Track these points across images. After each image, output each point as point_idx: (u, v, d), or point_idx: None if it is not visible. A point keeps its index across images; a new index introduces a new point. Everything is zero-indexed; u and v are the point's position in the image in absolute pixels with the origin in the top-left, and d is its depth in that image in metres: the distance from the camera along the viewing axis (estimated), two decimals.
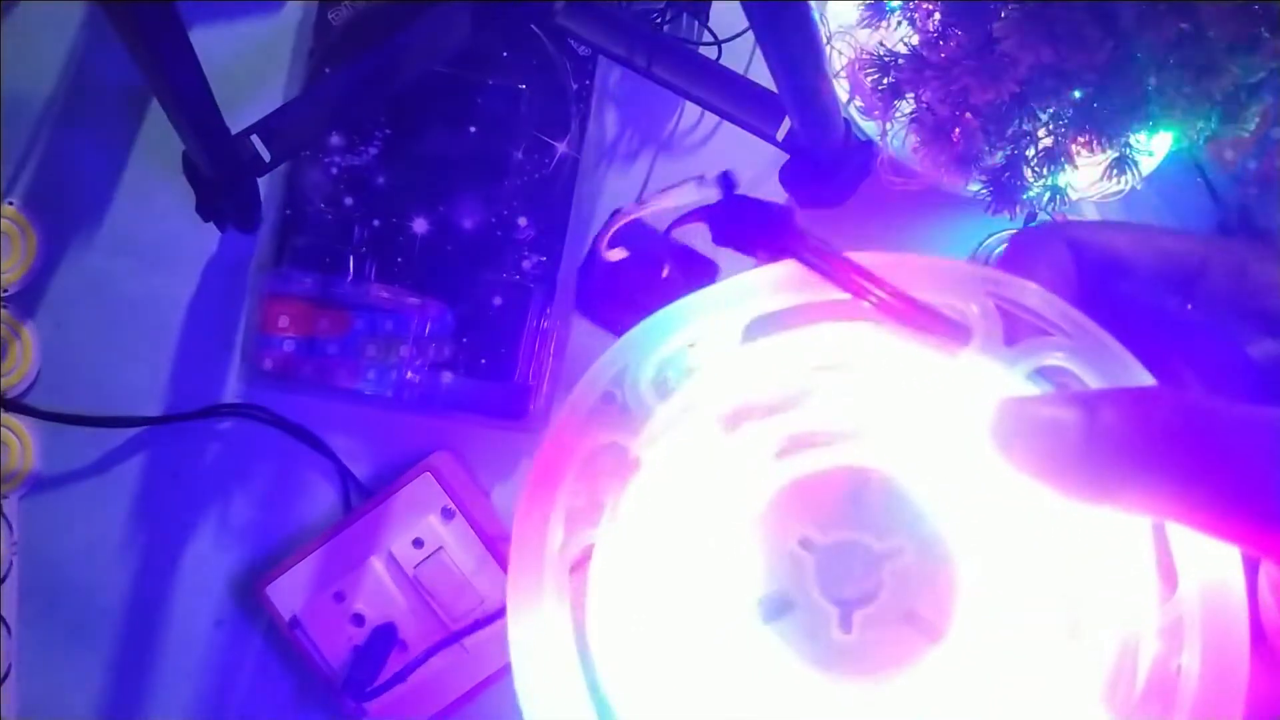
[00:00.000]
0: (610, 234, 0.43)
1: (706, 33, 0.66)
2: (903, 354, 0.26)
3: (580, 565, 0.26)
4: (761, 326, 0.27)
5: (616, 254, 0.48)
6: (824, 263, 0.25)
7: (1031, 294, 0.25)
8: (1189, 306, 0.26)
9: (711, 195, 0.30)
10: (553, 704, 0.25)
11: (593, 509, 0.27)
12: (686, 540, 0.27)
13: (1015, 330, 0.26)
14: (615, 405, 0.27)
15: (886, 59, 0.52)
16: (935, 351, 0.26)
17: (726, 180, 0.30)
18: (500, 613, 0.61)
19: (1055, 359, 0.25)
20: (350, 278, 0.63)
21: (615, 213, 0.45)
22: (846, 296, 0.26)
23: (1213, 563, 0.23)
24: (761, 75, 0.54)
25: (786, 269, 0.27)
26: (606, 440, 0.27)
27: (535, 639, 0.26)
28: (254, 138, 0.57)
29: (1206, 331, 0.26)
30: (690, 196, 0.39)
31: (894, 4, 0.52)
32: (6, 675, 0.64)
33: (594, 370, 0.27)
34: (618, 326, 0.64)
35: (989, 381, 0.25)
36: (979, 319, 0.25)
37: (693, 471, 0.27)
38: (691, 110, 0.67)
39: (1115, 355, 0.25)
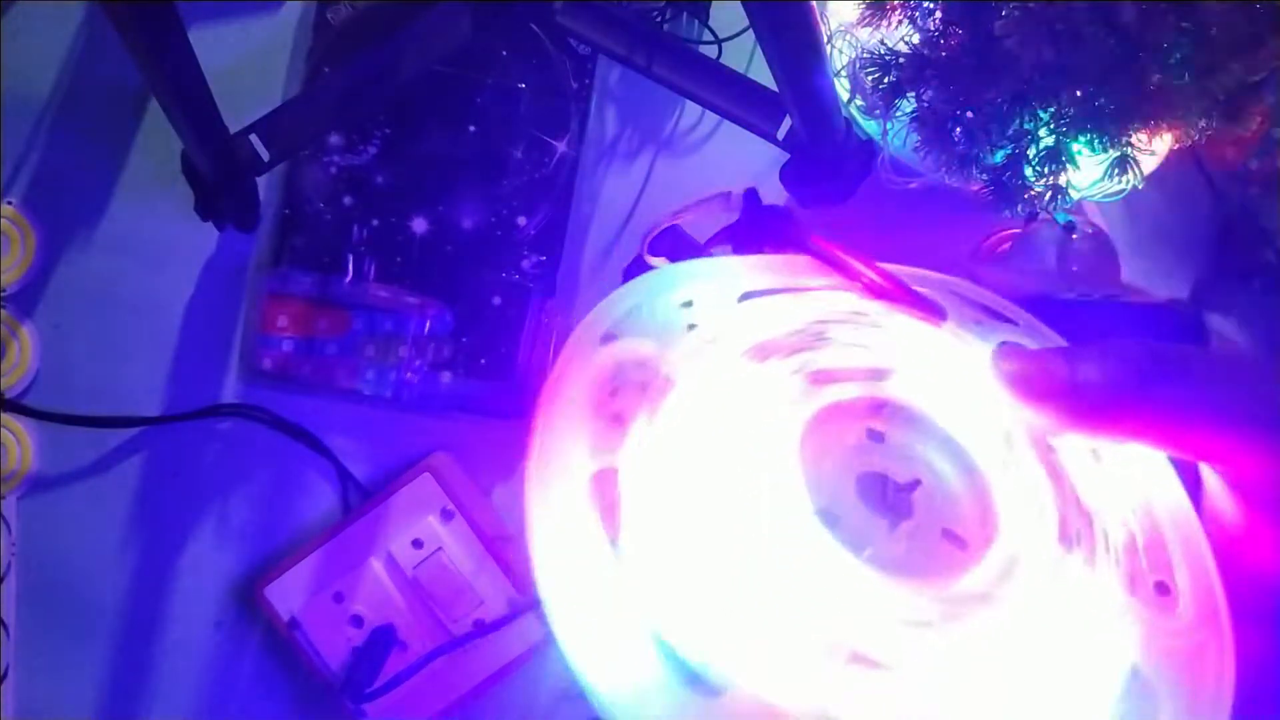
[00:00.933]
0: (650, 239, 0.45)
1: (707, 31, 0.65)
2: (898, 318, 0.30)
3: (602, 477, 0.27)
4: (750, 298, 0.30)
5: (659, 262, 0.49)
6: (828, 254, 0.29)
7: (988, 295, 0.31)
8: None
9: (733, 214, 0.35)
10: (584, 616, 0.25)
11: (614, 423, 0.28)
12: (724, 455, 0.27)
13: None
14: (639, 327, 0.29)
15: (887, 58, 0.52)
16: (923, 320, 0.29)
17: (749, 199, 0.32)
18: (502, 621, 0.61)
19: (1011, 334, 0.30)
20: (349, 277, 0.63)
21: (671, 223, 0.47)
22: (835, 280, 0.30)
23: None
24: (762, 74, 0.54)
25: (772, 256, 0.30)
26: (634, 357, 0.28)
27: (562, 547, 0.26)
28: (253, 137, 0.57)
29: None
30: (717, 211, 0.44)
31: (895, 2, 0.52)
32: (5, 676, 0.64)
33: (610, 300, 0.29)
34: None
35: (970, 345, 0.29)
36: (953, 306, 0.30)
37: (727, 394, 0.28)
38: (692, 109, 0.67)
39: (1048, 335, 0.31)
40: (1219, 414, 0.25)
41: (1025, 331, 0.30)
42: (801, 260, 0.30)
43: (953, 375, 0.29)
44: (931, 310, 0.29)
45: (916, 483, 0.28)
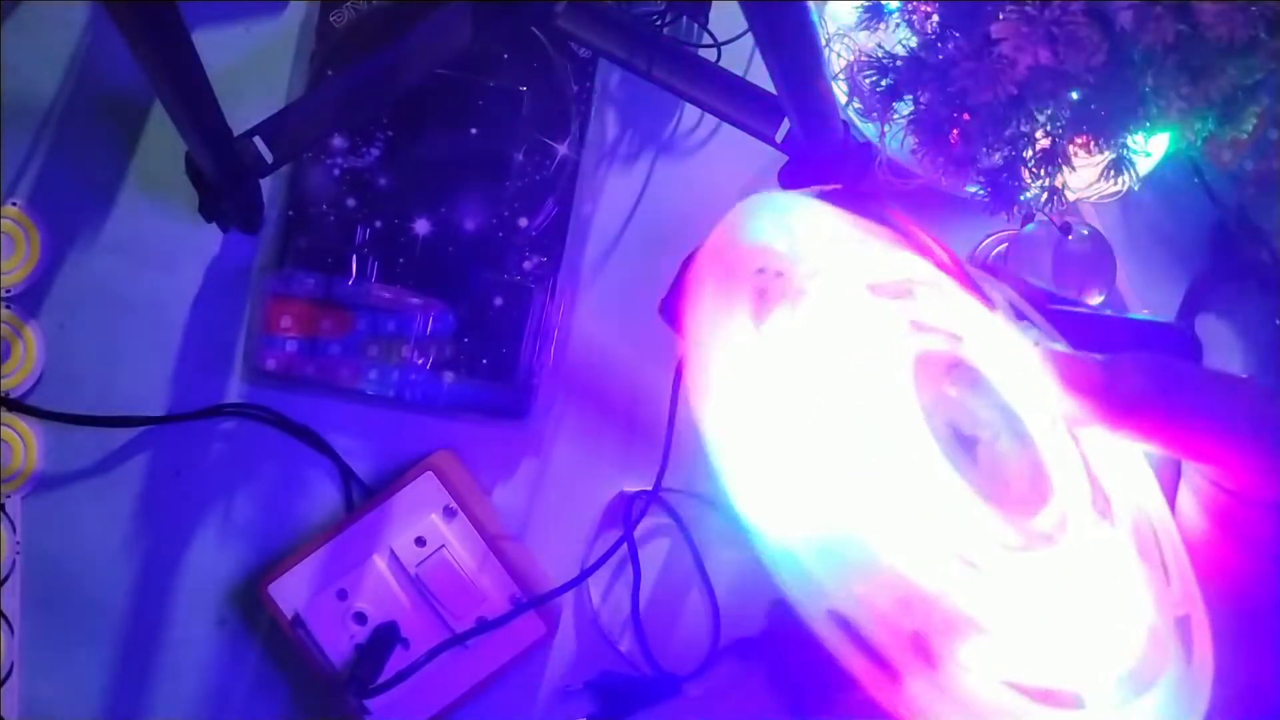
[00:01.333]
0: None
1: (706, 35, 0.66)
2: (962, 295, 0.34)
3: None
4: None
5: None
6: (905, 227, 0.34)
7: (1012, 294, 0.36)
8: None
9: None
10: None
11: (760, 298, 0.33)
12: (850, 364, 0.32)
13: None
14: (775, 229, 0.34)
15: (885, 61, 0.53)
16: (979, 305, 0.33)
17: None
18: (503, 618, 0.61)
19: (1037, 333, 0.35)
20: (352, 278, 0.64)
21: None
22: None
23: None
24: (761, 77, 0.54)
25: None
26: (774, 249, 0.33)
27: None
28: (256, 139, 0.57)
29: None
30: None
31: (892, 6, 0.53)
32: (9, 674, 0.65)
33: (754, 201, 0.34)
34: None
35: (1015, 333, 0.34)
36: (1001, 302, 0.34)
37: (854, 314, 0.34)
38: (691, 112, 0.67)
39: (1058, 337, 0.35)
40: (1226, 426, 0.29)
41: (1045, 332, 0.34)
42: (879, 227, 0.34)
43: (1009, 354, 0.33)
44: (984, 296, 0.32)
45: (976, 439, 0.33)
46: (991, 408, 0.33)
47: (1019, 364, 0.33)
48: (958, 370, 0.33)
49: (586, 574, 0.60)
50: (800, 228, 0.35)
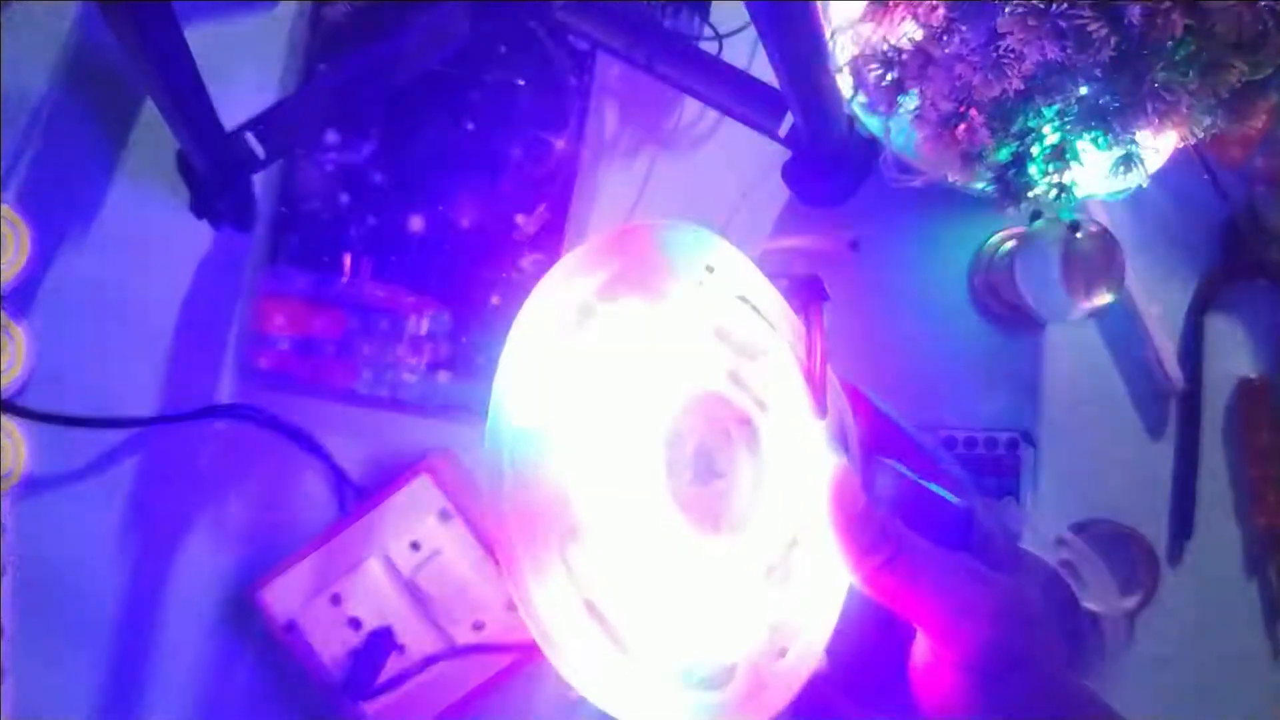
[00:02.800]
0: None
1: (708, 27, 0.65)
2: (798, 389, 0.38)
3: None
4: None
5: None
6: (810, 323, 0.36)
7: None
8: None
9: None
10: None
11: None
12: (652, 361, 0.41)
13: None
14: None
15: (890, 54, 0.52)
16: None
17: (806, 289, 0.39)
18: (505, 647, 0.60)
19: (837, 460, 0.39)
20: (346, 276, 0.63)
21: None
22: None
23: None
24: (764, 71, 0.54)
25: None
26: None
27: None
28: (249, 135, 0.57)
29: None
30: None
31: None
32: (2, 677, 0.64)
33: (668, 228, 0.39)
34: None
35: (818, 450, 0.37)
36: (834, 416, 0.37)
37: (681, 333, 0.40)
38: (692, 106, 0.66)
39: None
40: (943, 609, 0.36)
41: (850, 465, 0.38)
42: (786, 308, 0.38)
43: (797, 447, 0.37)
44: (821, 403, 0.36)
45: (718, 474, 0.40)
46: (750, 465, 0.39)
47: (799, 459, 0.37)
48: (746, 427, 0.39)
49: None
50: (716, 257, 0.38)
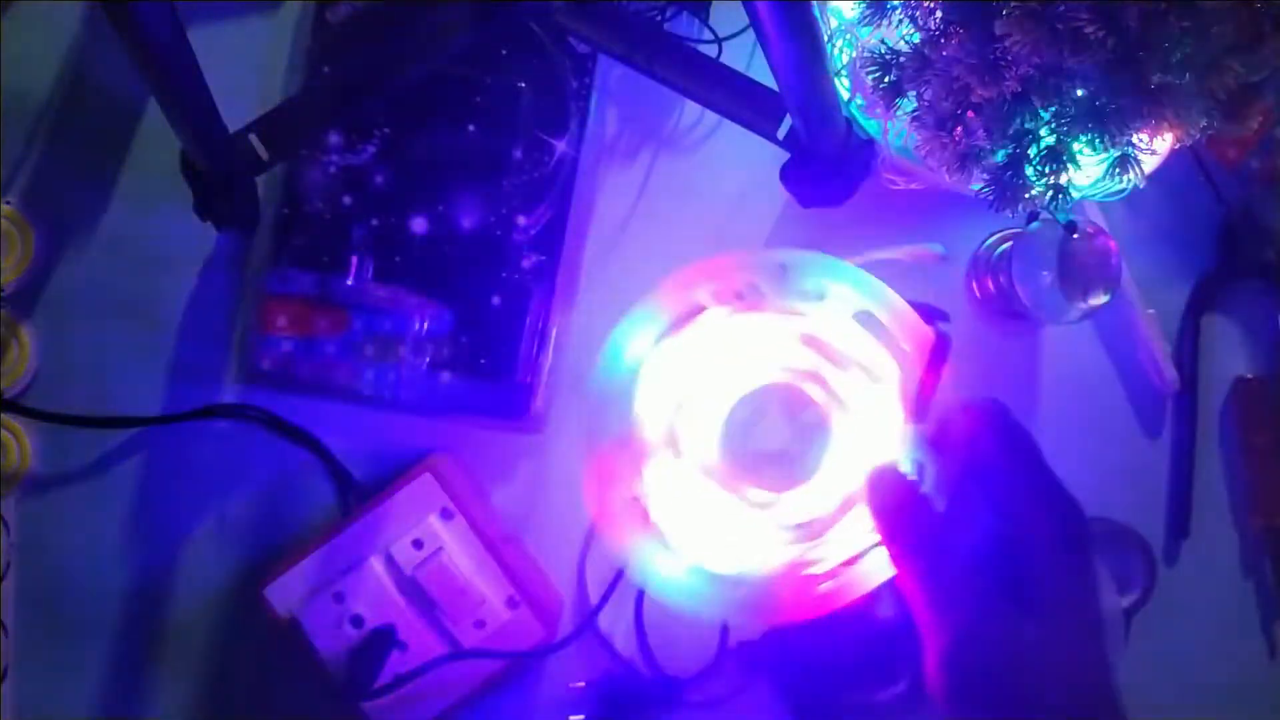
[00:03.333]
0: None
1: (707, 30, 0.65)
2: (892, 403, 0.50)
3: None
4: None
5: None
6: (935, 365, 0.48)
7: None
8: None
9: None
10: None
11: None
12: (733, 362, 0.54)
13: None
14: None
15: (888, 57, 0.52)
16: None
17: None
18: (511, 652, 0.60)
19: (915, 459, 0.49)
20: (349, 277, 0.63)
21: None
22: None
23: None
24: (762, 73, 0.54)
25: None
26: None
27: None
28: (252, 136, 0.57)
29: None
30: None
31: (895, 1, 0.52)
32: (4, 676, 0.64)
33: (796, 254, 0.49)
34: None
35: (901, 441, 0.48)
36: (921, 430, 0.48)
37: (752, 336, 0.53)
38: (692, 108, 0.67)
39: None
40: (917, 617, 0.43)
41: (931, 475, 0.47)
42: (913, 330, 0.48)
43: (867, 436, 0.50)
44: (922, 414, 0.47)
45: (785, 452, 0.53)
46: (803, 444, 0.52)
47: (866, 450, 0.48)
48: (815, 415, 0.52)
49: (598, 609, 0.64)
50: (840, 280, 0.49)
